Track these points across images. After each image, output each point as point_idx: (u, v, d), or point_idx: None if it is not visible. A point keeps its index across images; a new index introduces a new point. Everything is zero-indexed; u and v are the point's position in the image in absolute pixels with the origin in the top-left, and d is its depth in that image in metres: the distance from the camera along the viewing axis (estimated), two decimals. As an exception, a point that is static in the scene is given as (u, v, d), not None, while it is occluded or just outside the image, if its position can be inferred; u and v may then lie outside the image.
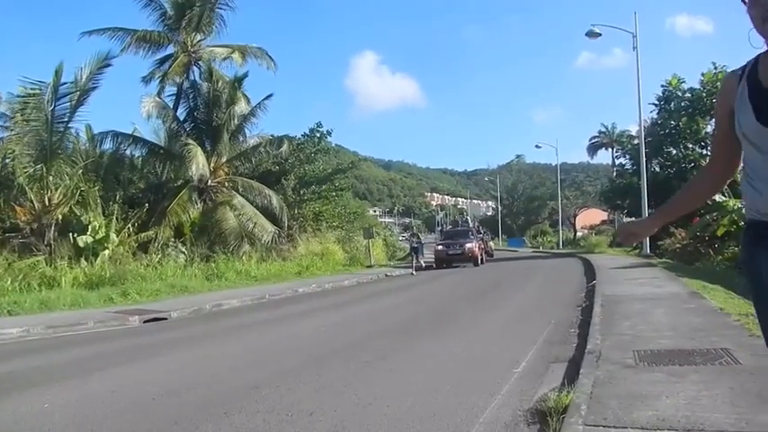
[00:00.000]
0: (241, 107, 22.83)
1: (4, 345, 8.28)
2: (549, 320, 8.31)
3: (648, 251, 22.65)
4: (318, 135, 30.29)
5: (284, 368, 5.99)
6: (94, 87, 18.03)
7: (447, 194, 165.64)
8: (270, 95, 24.12)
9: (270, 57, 26.10)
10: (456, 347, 6.77)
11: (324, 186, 28.41)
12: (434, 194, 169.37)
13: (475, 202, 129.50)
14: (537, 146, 53.84)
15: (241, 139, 24.23)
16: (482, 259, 27.35)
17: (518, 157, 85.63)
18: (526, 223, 74.61)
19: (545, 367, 5.46)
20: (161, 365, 6.53)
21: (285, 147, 24.48)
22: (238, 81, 23.12)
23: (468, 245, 25.85)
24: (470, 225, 36.55)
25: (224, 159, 22.85)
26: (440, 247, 27.08)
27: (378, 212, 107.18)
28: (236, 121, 22.50)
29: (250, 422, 4.12)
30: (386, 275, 21.93)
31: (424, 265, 25.59)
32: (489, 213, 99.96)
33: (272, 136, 25.41)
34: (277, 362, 6.47)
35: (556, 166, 52.70)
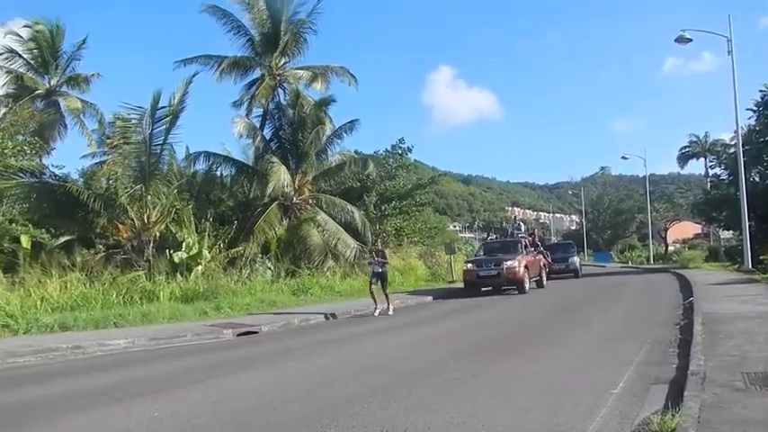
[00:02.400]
0: (325, 128, 23.42)
1: (114, 355, 8.85)
2: (644, 339, 7.97)
3: (750, 266, 21.29)
4: (400, 151, 30.67)
5: (374, 384, 6.06)
6: (183, 108, 19.04)
7: (528, 208, 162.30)
8: (355, 120, 24.56)
9: (351, 74, 26.75)
10: (545, 366, 6.63)
11: (405, 202, 28.64)
12: (515, 209, 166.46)
13: (558, 215, 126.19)
14: (623, 157, 51.44)
15: (323, 157, 24.84)
16: (541, 281, 20.98)
17: (603, 168, 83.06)
18: (613, 237, 71.98)
19: (645, 389, 5.24)
20: (257, 378, 6.77)
21: (371, 168, 24.79)
22: (324, 104, 23.76)
23: (509, 262, 18.41)
24: (522, 232, 24.75)
25: (309, 177, 23.49)
26: (468, 266, 19.69)
27: (458, 227, 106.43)
28: (321, 141, 23.07)
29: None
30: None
31: (391, 309, 14.18)
32: (573, 228, 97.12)
33: (355, 152, 25.97)
34: (366, 378, 6.55)
35: (644, 177, 50.69)
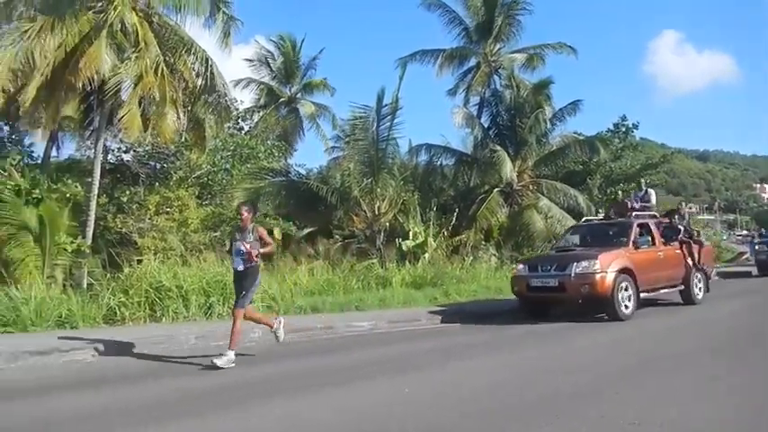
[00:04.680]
0: (545, 111, 22.85)
1: (362, 336, 9.71)
2: None
3: None
4: (624, 129, 28.75)
5: (607, 372, 5.84)
6: (400, 108, 19.93)
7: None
8: (578, 101, 23.63)
9: (570, 46, 25.76)
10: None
11: (632, 184, 26.73)
12: (765, 185, 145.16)
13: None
14: None
15: (543, 141, 24.22)
16: (689, 290, 12.49)
17: None
18: None
19: None
20: (490, 363, 6.98)
21: (602, 152, 23.60)
22: (541, 86, 23.20)
23: (583, 264, 10.64)
24: (651, 206, 14.13)
25: (529, 163, 23.13)
26: (519, 268, 12.05)
27: (694, 209, 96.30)
28: (541, 125, 22.54)
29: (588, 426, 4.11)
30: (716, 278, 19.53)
31: (281, 333, 7.78)
32: None
33: (575, 134, 24.95)
34: (595, 368, 6.32)
35: None
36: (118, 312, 9.62)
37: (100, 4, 14.49)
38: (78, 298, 9.68)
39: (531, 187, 23.14)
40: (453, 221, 20.49)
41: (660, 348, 7.82)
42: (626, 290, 10.67)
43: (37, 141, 17.43)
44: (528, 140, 22.57)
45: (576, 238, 13.21)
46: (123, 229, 14.51)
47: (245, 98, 27.66)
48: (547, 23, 65.02)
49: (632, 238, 11.57)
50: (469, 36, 25.54)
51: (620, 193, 25.76)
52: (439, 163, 24.89)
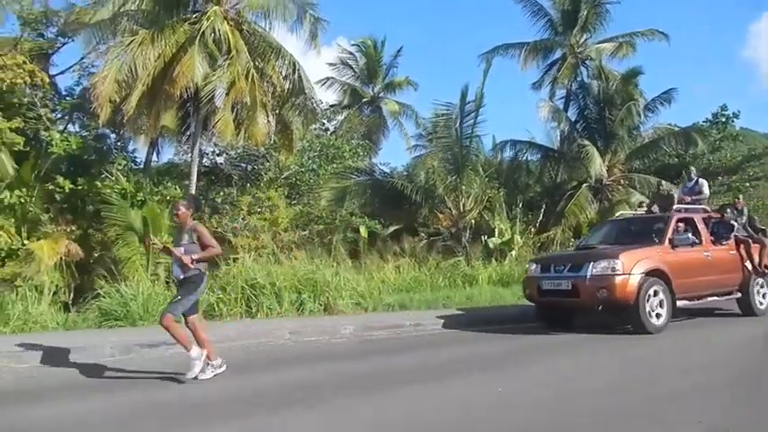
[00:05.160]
0: (637, 103, 21.93)
1: (446, 333, 9.70)
2: None
3: None
4: (723, 119, 27.13)
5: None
6: (483, 105, 19.71)
7: None
8: (671, 90, 22.48)
9: (661, 32, 24.55)
10: None
11: (734, 177, 25.22)
12: None
13: None
14: None
15: (634, 134, 23.26)
16: (749, 300, 10.63)
17: None
18: None
19: None
20: (582, 363, 6.84)
21: (700, 144, 22.37)
22: (631, 76, 22.27)
23: (602, 265, 9.03)
24: (703, 198, 11.98)
25: (620, 157, 22.27)
26: (532, 269, 10.33)
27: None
28: (633, 117, 21.63)
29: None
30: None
31: (196, 369, 6.01)
32: None
33: (669, 125, 23.81)
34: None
35: None
36: (216, 308, 10.12)
37: (195, 15, 15.25)
38: (180, 294, 10.25)
39: (622, 182, 22.27)
40: (540, 218, 20.06)
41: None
42: (655, 296, 8.94)
43: (139, 147, 18.53)
44: (618, 133, 21.72)
45: (604, 236, 11.36)
46: (218, 229, 15.17)
47: (328, 98, 28.23)
48: (636, 10, 62.08)
49: (668, 234, 9.71)
50: (554, 27, 24.87)
51: (725, 186, 24.36)
52: (524, 159, 24.39)
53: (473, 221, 18.51)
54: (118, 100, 13.95)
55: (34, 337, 7.74)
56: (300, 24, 16.00)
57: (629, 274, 8.80)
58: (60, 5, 17.35)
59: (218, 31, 14.62)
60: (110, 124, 15.69)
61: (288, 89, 16.28)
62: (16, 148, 14.48)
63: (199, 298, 6.30)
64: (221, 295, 10.27)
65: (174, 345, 7.56)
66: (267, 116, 15.64)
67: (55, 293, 10.18)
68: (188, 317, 6.09)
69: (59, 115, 17.28)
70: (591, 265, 9.02)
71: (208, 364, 6.06)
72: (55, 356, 6.80)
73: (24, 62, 14.92)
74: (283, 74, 16.16)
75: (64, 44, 17.94)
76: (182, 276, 5.99)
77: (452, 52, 67.38)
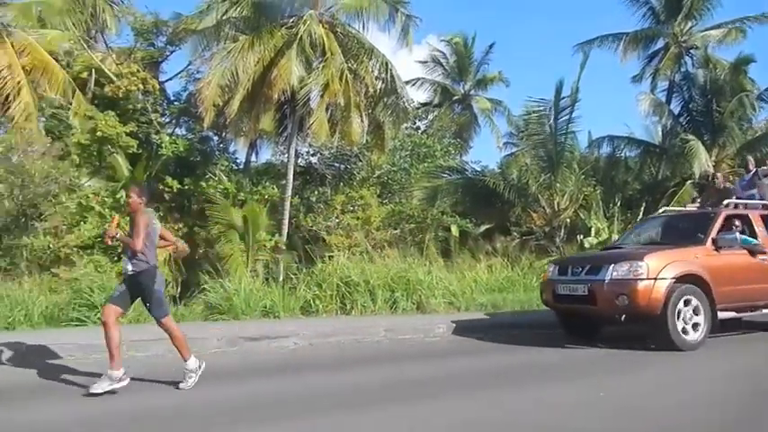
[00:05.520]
0: (748, 92, 20.52)
1: (543, 333, 9.51)
2: None
3: None
4: None
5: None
6: (579, 100, 19.08)
7: None
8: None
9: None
10: None
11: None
12: None
13: None
14: None
15: (745, 126, 21.78)
16: None
17: None
18: None
19: None
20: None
21: None
22: (742, 63, 20.85)
23: (623, 268, 7.65)
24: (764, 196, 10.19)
25: (729, 151, 20.90)
26: (550, 270, 9.10)
27: None
28: (747, 108, 20.27)
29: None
30: None
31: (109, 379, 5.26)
32: None
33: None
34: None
35: None
36: (312, 304, 10.44)
37: (291, 19, 15.77)
38: (279, 290, 10.68)
39: (731, 178, 20.89)
40: (640, 217, 19.18)
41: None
42: (687, 305, 7.48)
43: (239, 148, 19.41)
44: (728, 126, 20.38)
45: (641, 235, 10.10)
46: (313, 227, 15.64)
47: (419, 98, 28.29)
48: (747, -7, 57.91)
49: (712, 234, 8.15)
50: (656, 16, 23.63)
51: None
52: (622, 155, 23.39)
53: (568, 220, 17.99)
54: (221, 104, 14.66)
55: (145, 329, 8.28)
56: (393, 23, 16.23)
57: (656, 278, 7.41)
58: (169, 15, 18.56)
59: (314, 34, 15.05)
60: (213, 127, 16.53)
61: (380, 89, 16.53)
62: (130, 151, 15.58)
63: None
64: (317, 292, 10.57)
65: (276, 338, 8.00)
66: (361, 116, 15.95)
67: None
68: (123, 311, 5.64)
69: (168, 119, 18.43)
70: (611, 268, 7.71)
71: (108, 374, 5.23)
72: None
73: (138, 70, 16.10)
74: (375, 74, 16.41)
75: (172, 52, 19.23)
76: (130, 270, 5.38)
77: (546, 46, 65.55)
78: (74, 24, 15.54)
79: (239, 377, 6.34)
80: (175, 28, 17.94)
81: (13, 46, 13.52)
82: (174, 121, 18.65)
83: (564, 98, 18.51)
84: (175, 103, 18.71)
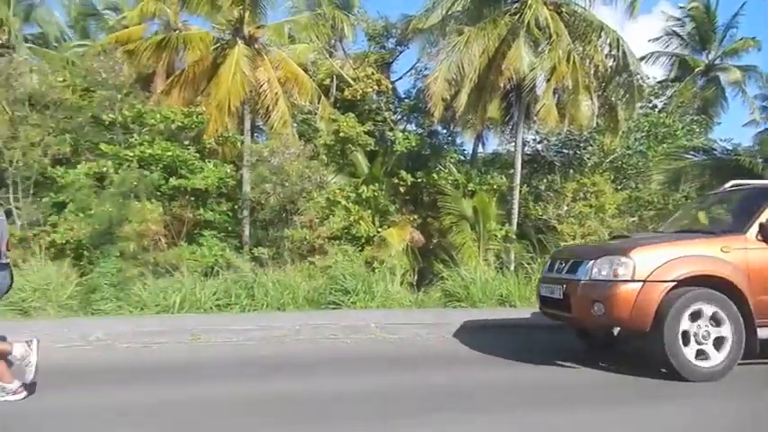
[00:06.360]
0: None
1: None
2: None
3: None
4: None
5: None
6: None
7: None
8: None
9: None
10: None
11: None
12: None
13: None
14: None
15: None
16: None
17: None
18: None
19: None
20: None
21: None
22: None
23: (608, 262, 5.60)
24: None
25: None
26: (546, 265, 7.19)
27: None
28: None
29: None
30: None
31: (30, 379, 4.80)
32: None
33: None
34: None
35: None
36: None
37: (515, 5, 15.58)
38: (513, 279, 10.71)
39: None
40: None
41: None
42: (696, 318, 5.41)
43: (465, 140, 19.77)
44: None
45: (682, 219, 7.95)
46: (543, 216, 15.31)
47: (654, 73, 25.91)
48: None
49: (759, 220, 5.78)
50: None
51: None
52: None
53: None
54: (448, 98, 15.05)
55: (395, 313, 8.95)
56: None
57: (645, 281, 5.44)
58: (397, 18, 19.62)
59: (540, 17, 14.71)
60: (441, 120, 17.08)
61: (611, 67, 15.62)
62: (368, 149, 16.81)
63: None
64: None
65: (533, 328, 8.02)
66: (590, 98, 15.23)
67: (403, 275, 11.48)
68: None
69: (399, 116, 19.47)
70: (590, 265, 5.83)
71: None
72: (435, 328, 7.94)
73: (372, 73, 17.35)
74: (605, 52, 15.54)
75: (401, 52, 20.31)
76: None
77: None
78: (317, 37, 17.25)
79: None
80: (404, 29, 18.84)
81: (270, 62, 15.40)
82: (404, 118, 19.64)
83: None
84: (406, 100, 19.70)
